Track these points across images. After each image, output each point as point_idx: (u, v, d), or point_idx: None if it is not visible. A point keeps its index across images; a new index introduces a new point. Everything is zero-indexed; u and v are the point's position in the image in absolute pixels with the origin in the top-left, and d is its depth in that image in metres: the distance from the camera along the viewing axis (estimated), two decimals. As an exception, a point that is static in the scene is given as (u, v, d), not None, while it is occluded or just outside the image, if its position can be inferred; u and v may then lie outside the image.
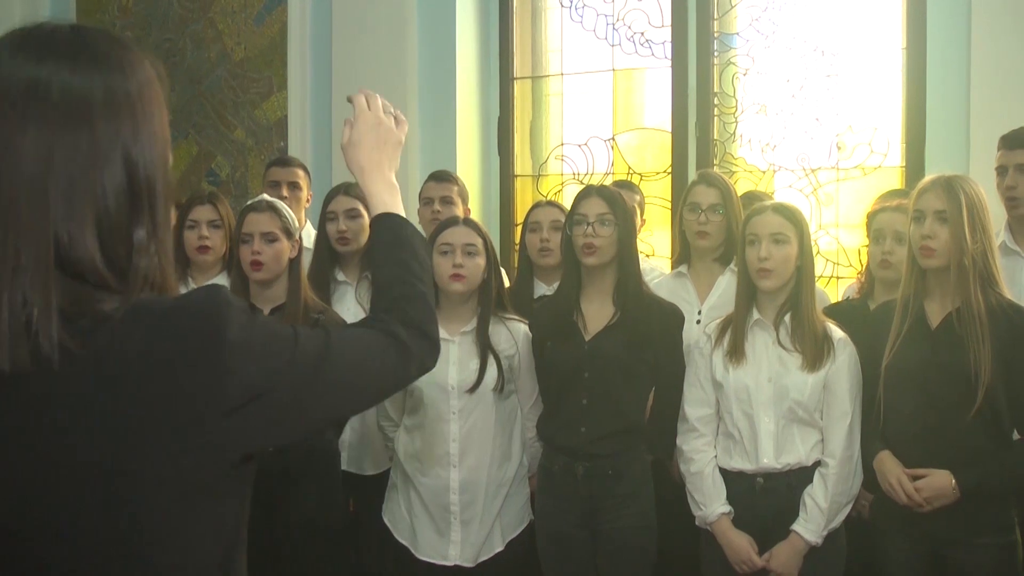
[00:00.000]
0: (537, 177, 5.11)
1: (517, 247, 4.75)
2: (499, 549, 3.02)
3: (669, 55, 4.73)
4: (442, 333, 2.99)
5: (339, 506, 3.17)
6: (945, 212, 2.64)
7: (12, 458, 1.10)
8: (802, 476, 2.81)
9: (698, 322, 3.37)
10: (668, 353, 3.03)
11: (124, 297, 1.12)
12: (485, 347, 2.99)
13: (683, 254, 3.58)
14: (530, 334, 3.08)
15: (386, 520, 3.11)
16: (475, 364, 2.96)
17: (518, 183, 5.13)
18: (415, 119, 4.92)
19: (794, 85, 4.48)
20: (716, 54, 4.65)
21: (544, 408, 3.11)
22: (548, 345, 3.04)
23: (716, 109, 4.65)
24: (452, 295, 3.00)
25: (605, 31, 4.92)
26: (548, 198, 4.72)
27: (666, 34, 4.75)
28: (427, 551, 3.01)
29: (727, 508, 2.86)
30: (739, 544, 2.83)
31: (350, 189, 3.58)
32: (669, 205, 4.71)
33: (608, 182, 4.56)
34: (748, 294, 2.91)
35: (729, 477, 2.89)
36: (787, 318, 2.86)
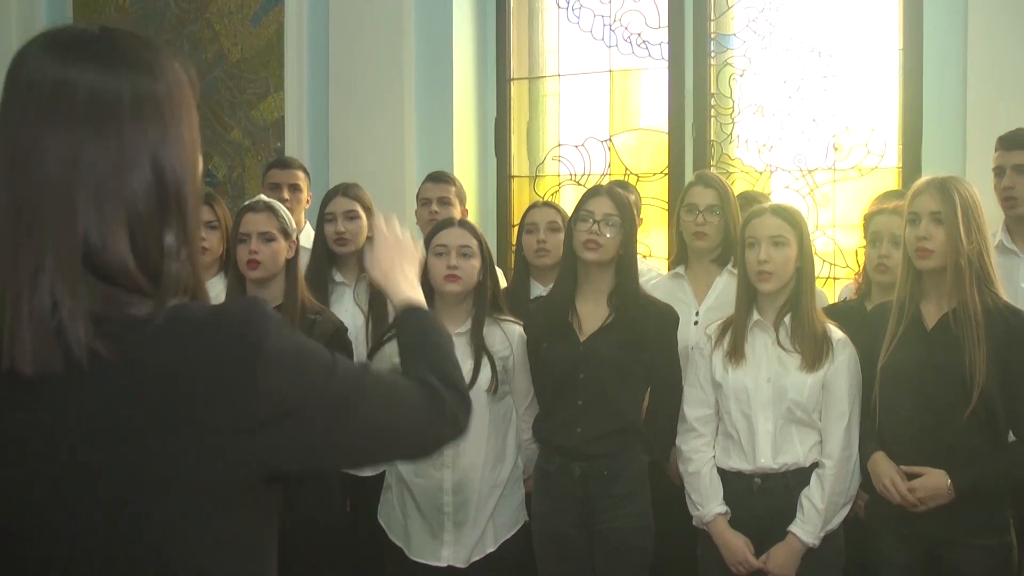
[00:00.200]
0: (534, 178, 5.10)
1: (514, 248, 4.75)
2: (491, 550, 3.02)
3: (666, 56, 4.72)
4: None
5: (337, 507, 3.17)
6: (940, 213, 2.65)
7: (38, 461, 1.09)
8: (800, 477, 2.81)
9: (696, 323, 3.37)
10: (663, 354, 3.03)
11: (157, 302, 1.11)
12: (479, 348, 2.99)
13: (680, 255, 3.58)
14: (525, 335, 3.08)
15: (381, 521, 3.11)
16: (469, 365, 2.96)
17: (515, 184, 5.13)
18: (412, 120, 4.93)
19: (791, 86, 4.48)
20: (713, 55, 4.65)
21: (540, 409, 3.11)
22: (544, 346, 3.04)
23: (713, 110, 4.65)
24: (447, 296, 3.00)
25: (602, 32, 4.92)
26: (545, 199, 4.72)
27: (663, 35, 4.74)
28: (420, 552, 3.02)
29: (723, 508, 2.87)
30: (735, 544, 2.83)
31: (348, 190, 3.58)
32: (666, 206, 4.71)
33: (605, 183, 4.55)
34: (748, 296, 2.91)
35: (727, 477, 2.89)
36: (787, 319, 2.86)
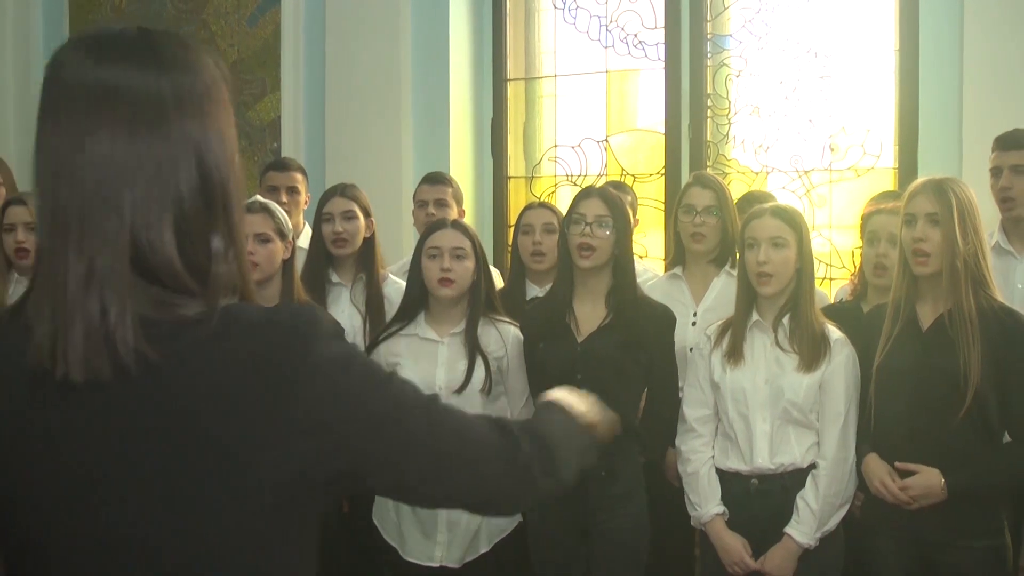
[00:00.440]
0: (530, 179, 5.11)
1: (510, 249, 4.75)
2: (484, 550, 3.02)
3: (662, 57, 4.73)
4: (431, 335, 3.00)
5: (334, 506, 3.17)
6: (936, 215, 2.65)
7: (89, 468, 1.08)
8: (797, 478, 2.81)
9: (694, 324, 3.37)
10: (660, 354, 3.03)
11: (207, 302, 1.10)
12: (473, 348, 2.98)
13: (678, 256, 3.58)
14: (520, 336, 3.08)
15: (375, 521, 3.11)
16: (463, 365, 2.95)
17: (511, 184, 5.13)
18: (408, 120, 4.93)
19: (787, 87, 4.48)
20: (709, 56, 4.65)
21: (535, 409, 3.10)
22: (540, 346, 3.03)
23: (709, 111, 4.65)
24: (441, 299, 3.00)
25: (598, 32, 4.93)
26: (541, 200, 4.72)
27: (659, 36, 4.75)
28: (414, 552, 3.02)
29: (721, 509, 2.87)
30: (732, 545, 2.83)
31: (346, 191, 3.58)
32: (662, 207, 4.72)
33: (601, 184, 4.55)
34: (748, 297, 2.91)
35: (725, 478, 2.89)
36: (786, 320, 2.86)
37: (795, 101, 4.47)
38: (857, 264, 3.53)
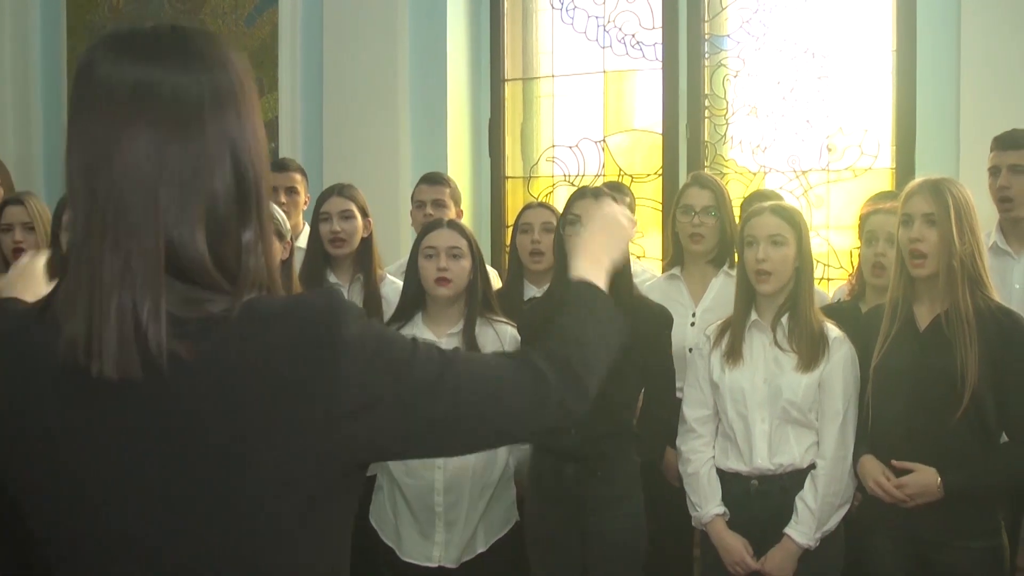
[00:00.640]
0: (528, 179, 5.11)
1: (508, 249, 4.75)
2: (482, 550, 3.02)
3: (660, 57, 4.73)
4: (429, 335, 3.00)
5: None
6: (933, 215, 2.65)
7: (125, 467, 1.09)
8: (797, 479, 2.80)
9: (692, 324, 3.37)
10: (657, 355, 3.02)
11: (234, 298, 1.10)
12: (471, 348, 2.98)
13: (676, 256, 3.58)
14: (517, 336, 3.07)
15: (372, 521, 3.10)
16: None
17: (509, 185, 5.13)
18: (406, 121, 4.92)
19: (785, 87, 4.49)
20: (707, 56, 4.65)
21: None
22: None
23: (707, 111, 4.65)
24: (438, 299, 2.99)
25: (596, 33, 4.93)
26: (539, 200, 4.73)
27: (657, 36, 4.75)
28: (411, 552, 3.01)
29: (722, 509, 2.87)
30: (732, 545, 2.83)
31: (344, 190, 3.57)
32: (660, 207, 4.72)
33: (599, 184, 4.55)
34: (747, 296, 2.91)
35: (725, 478, 2.89)
36: (784, 319, 2.86)
37: (792, 101, 4.47)
38: (855, 264, 3.53)
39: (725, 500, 2.87)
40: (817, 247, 4.35)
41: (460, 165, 4.96)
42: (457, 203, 4.04)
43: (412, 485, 2.98)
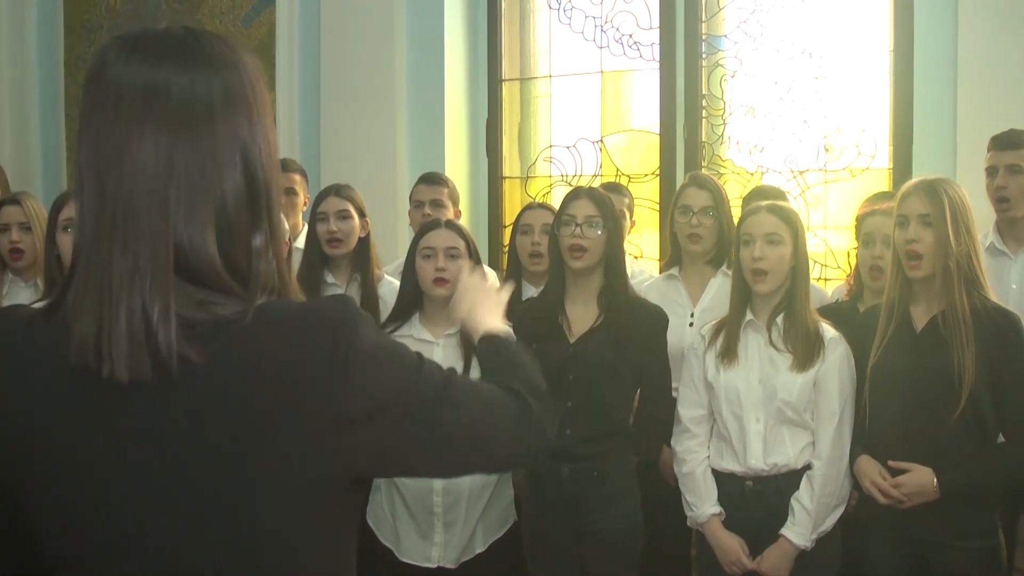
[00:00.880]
0: (525, 179, 5.11)
1: (506, 249, 4.75)
2: (481, 550, 3.02)
3: (657, 57, 4.73)
4: (426, 335, 2.99)
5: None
6: (929, 216, 2.65)
7: (133, 469, 1.09)
8: (792, 479, 2.80)
9: (691, 324, 3.37)
10: (652, 355, 3.02)
11: (245, 301, 1.10)
12: (469, 349, 2.98)
13: (674, 256, 3.58)
14: (514, 336, 3.07)
15: (370, 522, 3.10)
16: (459, 366, 2.95)
17: (506, 185, 5.14)
18: (403, 121, 4.93)
19: (782, 87, 4.49)
20: (704, 56, 4.66)
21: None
22: (533, 347, 3.02)
23: (704, 111, 4.65)
24: (436, 299, 2.99)
25: (593, 33, 4.93)
26: (537, 200, 4.72)
27: (654, 36, 4.75)
28: (410, 553, 3.01)
29: (717, 509, 2.87)
30: (729, 545, 2.83)
31: (341, 190, 3.57)
32: (657, 207, 4.72)
33: (597, 184, 4.55)
34: (742, 295, 2.91)
35: (720, 479, 2.89)
36: (780, 319, 2.86)
37: (790, 102, 4.48)
38: (852, 265, 3.53)
39: (720, 500, 2.87)
40: (815, 247, 4.37)
41: (457, 165, 4.96)
42: (455, 203, 4.04)
43: (411, 486, 2.98)
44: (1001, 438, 2.72)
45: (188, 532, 1.09)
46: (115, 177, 1.08)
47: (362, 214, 3.55)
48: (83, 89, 1.13)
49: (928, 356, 2.66)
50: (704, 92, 4.65)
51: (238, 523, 1.09)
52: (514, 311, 3.21)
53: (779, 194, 3.71)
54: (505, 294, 1.73)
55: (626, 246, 3.63)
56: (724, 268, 3.43)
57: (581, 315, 3.02)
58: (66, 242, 3.14)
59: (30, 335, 1.13)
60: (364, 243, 3.54)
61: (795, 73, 4.46)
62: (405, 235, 4.39)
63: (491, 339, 1.54)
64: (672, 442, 3.00)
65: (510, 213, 4.87)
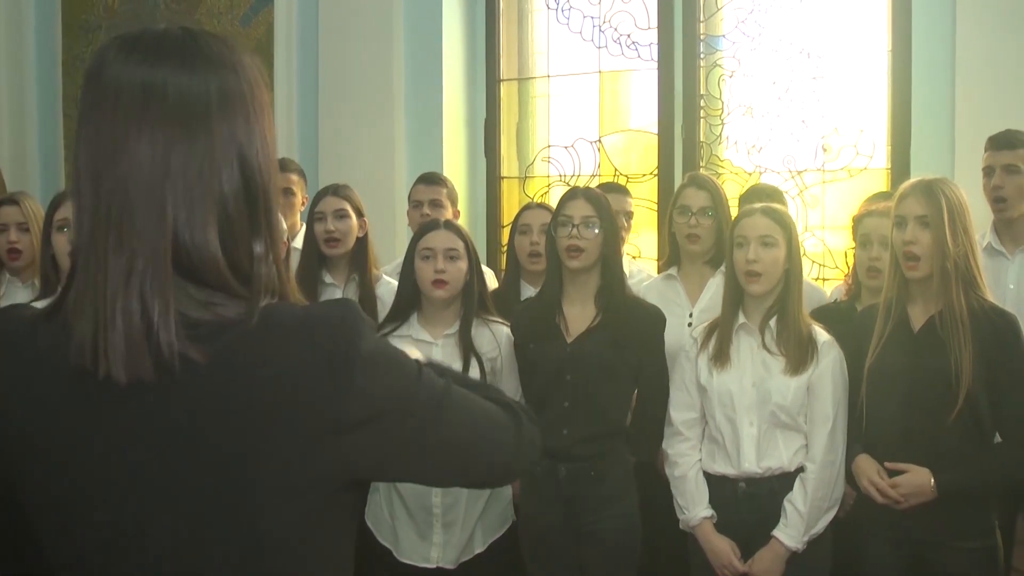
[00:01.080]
0: (524, 179, 5.11)
1: (504, 249, 4.75)
2: (480, 550, 3.02)
3: (655, 57, 4.73)
4: (424, 336, 3.00)
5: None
6: (926, 217, 2.65)
7: (131, 469, 1.09)
8: (785, 482, 2.80)
9: (690, 324, 3.37)
10: (650, 355, 3.02)
11: (248, 303, 1.10)
12: (468, 349, 2.98)
13: (673, 257, 3.58)
14: (512, 336, 3.08)
15: (368, 523, 3.10)
16: (458, 366, 2.95)
17: (504, 185, 5.13)
18: (402, 121, 4.93)
19: (780, 87, 4.49)
20: (702, 56, 4.66)
21: (527, 410, 3.10)
22: (530, 347, 3.03)
23: (702, 111, 4.65)
24: (435, 300, 2.99)
25: (591, 33, 4.93)
26: (535, 200, 4.72)
27: (652, 36, 4.75)
28: (409, 554, 3.01)
29: (709, 512, 2.87)
30: (720, 548, 2.83)
31: (339, 190, 3.57)
32: (655, 207, 4.72)
33: (595, 184, 4.55)
34: (735, 297, 2.91)
35: (713, 481, 2.89)
36: (772, 322, 2.85)
37: (788, 101, 4.48)
38: (850, 264, 3.53)
39: (712, 503, 2.87)
40: (813, 247, 4.38)
41: (456, 165, 4.96)
42: (454, 203, 4.04)
43: (409, 486, 2.98)
44: (998, 438, 2.72)
45: (188, 532, 1.09)
46: (112, 177, 1.08)
47: (360, 214, 3.55)
48: (81, 89, 1.13)
49: (925, 356, 2.66)
50: (702, 92, 4.65)
51: (238, 524, 1.09)
52: (512, 311, 3.24)
53: (775, 192, 3.71)
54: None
55: (625, 247, 3.63)
56: (723, 269, 3.43)
57: (579, 315, 3.02)
58: (61, 242, 3.14)
59: (32, 336, 1.13)
60: (362, 243, 3.54)
61: (793, 73, 4.46)
62: (404, 235, 4.39)
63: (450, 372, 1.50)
64: (664, 444, 3.00)
65: (508, 213, 4.88)
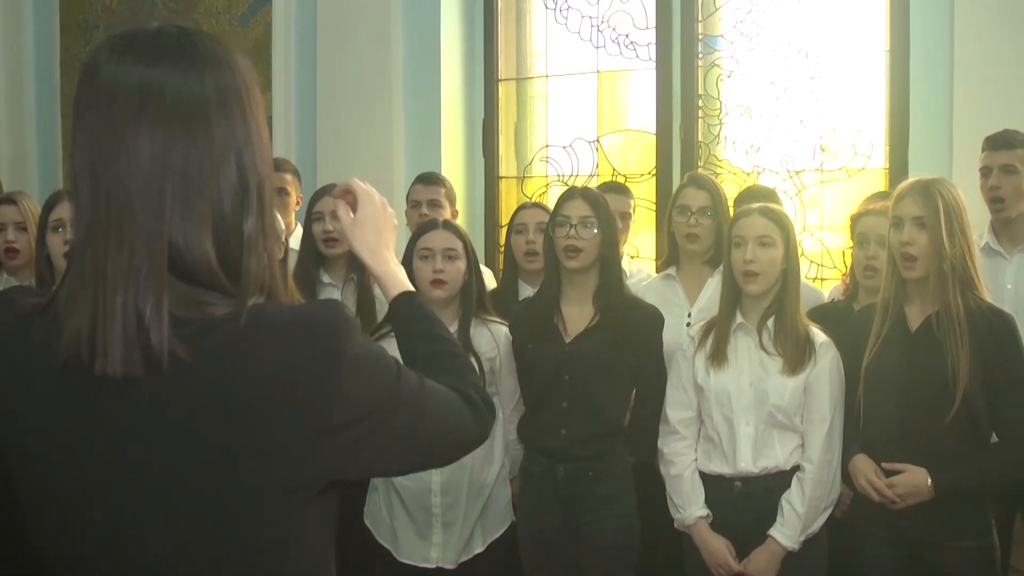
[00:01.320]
0: (522, 179, 5.11)
1: (502, 249, 4.75)
2: (479, 550, 3.02)
3: (653, 57, 4.73)
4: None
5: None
6: (923, 218, 2.65)
7: (120, 465, 1.09)
8: (781, 481, 2.80)
9: (688, 324, 3.37)
10: (648, 354, 3.03)
11: (237, 301, 1.10)
12: (466, 349, 2.98)
13: (672, 256, 3.58)
14: (511, 336, 3.08)
15: (367, 523, 3.10)
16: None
17: (503, 185, 5.14)
18: (400, 120, 4.93)
19: (778, 87, 4.49)
20: (700, 56, 4.66)
21: (525, 410, 3.10)
22: (529, 347, 3.03)
23: (700, 111, 4.66)
24: (434, 300, 2.99)
25: (590, 33, 4.93)
26: (533, 200, 4.72)
27: (650, 36, 4.75)
28: (408, 554, 3.01)
29: (705, 511, 2.86)
30: (716, 548, 2.83)
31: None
32: (653, 207, 4.72)
33: (593, 184, 4.56)
34: (732, 297, 2.91)
35: (709, 481, 2.89)
36: (770, 322, 2.86)
37: (786, 102, 4.48)
38: (848, 265, 3.53)
39: (708, 502, 2.87)
40: (811, 247, 4.38)
41: (454, 165, 4.96)
42: (452, 203, 4.04)
43: (409, 487, 2.98)
44: (995, 438, 2.72)
45: (185, 529, 1.09)
46: (110, 176, 1.08)
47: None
48: (77, 89, 1.13)
49: (922, 356, 2.66)
50: (700, 92, 4.65)
51: (231, 520, 1.10)
52: (511, 311, 3.24)
53: (771, 193, 3.71)
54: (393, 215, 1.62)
55: (624, 247, 3.63)
56: (722, 268, 3.43)
57: (577, 315, 3.02)
58: (55, 242, 3.14)
59: (26, 331, 1.13)
60: (360, 243, 3.53)
61: (791, 73, 4.46)
62: (402, 235, 4.39)
63: (407, 305, 1.50)
64: (659, 443, 3.00)
65: (506, 213, 4.87)
